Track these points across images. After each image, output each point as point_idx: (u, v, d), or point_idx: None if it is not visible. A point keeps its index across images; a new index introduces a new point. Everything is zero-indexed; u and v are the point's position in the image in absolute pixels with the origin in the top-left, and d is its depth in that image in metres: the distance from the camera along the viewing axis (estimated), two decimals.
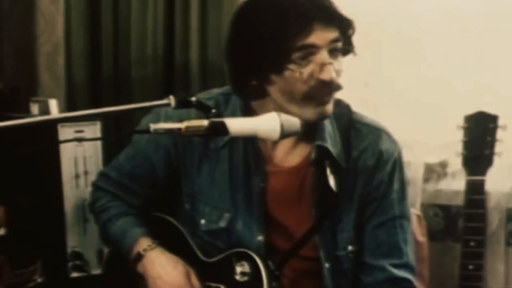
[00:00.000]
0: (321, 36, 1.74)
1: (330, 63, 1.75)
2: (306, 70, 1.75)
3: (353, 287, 1.94)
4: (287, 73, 1.75)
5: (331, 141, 1.87)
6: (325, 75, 1.75)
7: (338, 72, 1.78)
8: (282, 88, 1.78)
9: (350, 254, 1.91)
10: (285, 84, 1.77)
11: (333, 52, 1.77)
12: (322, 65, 1.75)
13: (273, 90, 1.80)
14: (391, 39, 2.70)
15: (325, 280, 1.90)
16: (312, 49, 1.74)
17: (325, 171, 1.84)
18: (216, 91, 1.98)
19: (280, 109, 1.76)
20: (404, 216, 1.93)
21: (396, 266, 1.91)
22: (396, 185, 1.91)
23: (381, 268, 1.90)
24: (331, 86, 1.78)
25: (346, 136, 1.90)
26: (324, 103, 1.79)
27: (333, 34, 1.76)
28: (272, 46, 1.73)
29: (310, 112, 1.80)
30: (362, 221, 1.91)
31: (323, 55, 1.75)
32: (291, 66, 1.74)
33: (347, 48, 1.82)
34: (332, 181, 1.83)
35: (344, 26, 1.79)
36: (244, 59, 1.80)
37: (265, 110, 1.77)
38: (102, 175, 2.11)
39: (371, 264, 1.91)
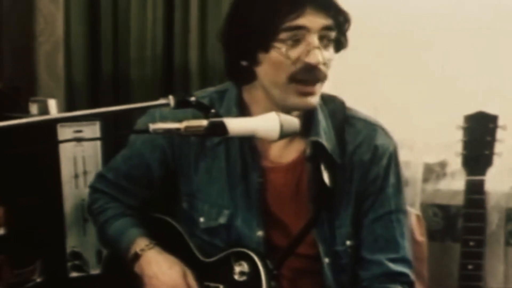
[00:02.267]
0: (312, 20, 1.74)
1: (319, 48, 1.75)
2: (294, 52, 1.75)
3: (353, 283, 1.94)
4: (274, 53, 1.76)
5: (325, 136, 1.88)
6: (312, 59, 1.75)
7: (326, 61, 1.78)
8: (269, 69, 1.79)
9: (349, 249, 1.92)
10: (272, 64, 1.77)
11: (324, 40, 1.77)
12: (310, 49, 1.75)
13: (260, 72, 1.81)
14: (391, 39, 2.70)
15: (326, 276, 1.90)
16: (302, 31, 1.74)
17: (319, 167, 1.84)
18: (210, 89, 1.99)
19: (267, 95, 1.80)
20: (400, 210, 1.94)
21: (393, 260, 1.92)
22: (392, 179, 1.92)
23: (378, 263, 1.91)
24: (317, 72, 1.77)
25: (341, 131, 1.90)
26: (307, 93, 1.79)
27: (325, 21, 1.76)
28: (262, 23, 1.74)
29: (293, 100, 1.80)
30: (360, 215, 1.92)
31: (312, 39, 1.75)
32: (278, 45, 1.75)
33: (340, 40, 1.82)
34: (326, 176, 1.83)
35: (339, 17, 1.80)
36: (235, 37, 1.82)
37: (256, 102, 1.86)
38: (99, 176, 2.11)
39: (368, 259, 1.92)
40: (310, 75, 1.77)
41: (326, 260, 1.90)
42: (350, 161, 1.90)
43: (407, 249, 1.94)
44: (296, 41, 1.75)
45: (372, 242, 1.92)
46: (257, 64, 1.80)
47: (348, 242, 1.91)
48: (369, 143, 1.91)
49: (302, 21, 1.74)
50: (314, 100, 1.82)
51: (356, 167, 1.90)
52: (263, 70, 1.80)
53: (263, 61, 1.79)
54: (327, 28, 1.77)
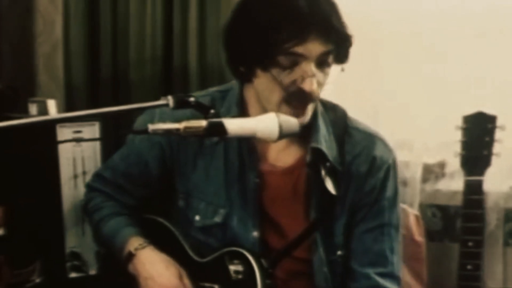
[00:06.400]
0: (312, 48, 1.72)
1: (313, 76, 1.74)
2: (288, 78, 1.74)
3: None
4: (270, 75, 1.75)
5: (326, 144, 1.87)
6: (306, 86, 1.74)
7: (320, 84, 1.77)
8: (264, 84, 1.78)
9: (339, 259, 1.91)
10: (267, 83, 1.77)
11: (321, 64, 1.76)
12: (305, 76, 1.73)
13: (257, 82, 1.80)
14: (390, 39, 2.71)
15: (317, 282, 1.90)
16: (299, 58, 1.73)
17: (320, 174, 1.83)
18: (213, 89, 1.99)
19: (260, 104, 1.80)
20: (392, 224, 1.93)
21: (381, 275, 1.91)
22: (388, 192, 1.91)
23: (366, 276, 1.90)
24: (309, 97, 1.77)
25: (341, 141, 1.90)
26: (298, 114, 1.77)
27: (325, 47, 1.74)
28: (262, 44, 1.72)
29: None
30: (351, 226, 1.91)
31: (308, 67, 1.73)
32: (275, 71, 1.74)
33: (340, 57, 1.79)
34: (329, 184, 1.83)
35: (341, 40, 1.77)
36: (235, 47, 1.81)
37: (252, 103, 1.86)
38: (96, 175, 2.11)
39: (357, 271, 1.91)
40: (302, 99, 1.77)
41: (319, 267, 1.90)
42: (348, 171, 1.89)
43: (396, 265, 1.93)
44: (292, 66, 1.74)
45: (362, 254, 1.91)
46: (254, 75, 1.80)
47: (339, 252, 1.91)
48: (367, 154, 1.90)
49: (301, 49, 1.71)
50: (305, 117, 1.81)
51: (353, 178, 1.89)
52: (259, 82, 1.80)
53: (260, 75, 1.78)
54: (326, 53, 1.75)
